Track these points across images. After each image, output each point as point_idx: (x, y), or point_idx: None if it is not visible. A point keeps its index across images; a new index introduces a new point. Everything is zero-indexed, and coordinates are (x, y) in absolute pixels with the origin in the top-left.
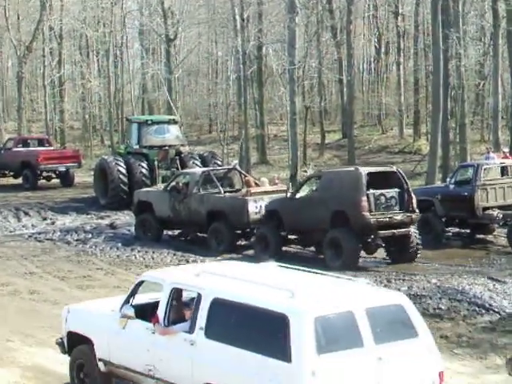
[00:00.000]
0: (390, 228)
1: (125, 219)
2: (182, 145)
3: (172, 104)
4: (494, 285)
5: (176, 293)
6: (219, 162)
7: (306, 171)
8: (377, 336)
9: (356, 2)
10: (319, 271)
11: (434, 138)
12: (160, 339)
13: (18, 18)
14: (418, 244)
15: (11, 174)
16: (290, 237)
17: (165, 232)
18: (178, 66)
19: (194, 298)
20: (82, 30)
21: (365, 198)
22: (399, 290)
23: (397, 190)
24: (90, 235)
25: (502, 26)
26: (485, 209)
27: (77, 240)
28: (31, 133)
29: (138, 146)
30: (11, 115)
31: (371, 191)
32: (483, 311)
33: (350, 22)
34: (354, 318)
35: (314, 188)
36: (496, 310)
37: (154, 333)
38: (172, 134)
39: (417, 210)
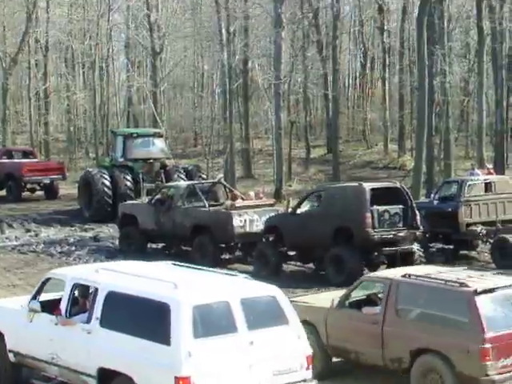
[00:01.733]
0: (393, 245)
1: (109, 232)
2: (167, 158)
3: (157, 117)
4: None
5: (77, 288)
6: (204, 176)
7: (290, 185)
8: (250, 323)
9: (342, 18)
10: (209, 268)
11: (418, 153)
12: (61, 330)
13: (4, 30)
14: (421, 261)
15: None
16: (289, 253)
17: (149, 245)
18: (163, 79)
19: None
20: (68, 42)
21: (369, 215)
22: None
23: (401, 206)
24: (73, 248)
25: (486, 44)
26: (468, 225)
27: (60, 252)
28: (16, 145)
29: (122, 159)
30: None
31: (375, 207)
32: None
33: (336, 37)
34: (230, 307)
35: (316, 204)
36: None
37: (56, 324)
38: (157, 147)
39: (421, 227)
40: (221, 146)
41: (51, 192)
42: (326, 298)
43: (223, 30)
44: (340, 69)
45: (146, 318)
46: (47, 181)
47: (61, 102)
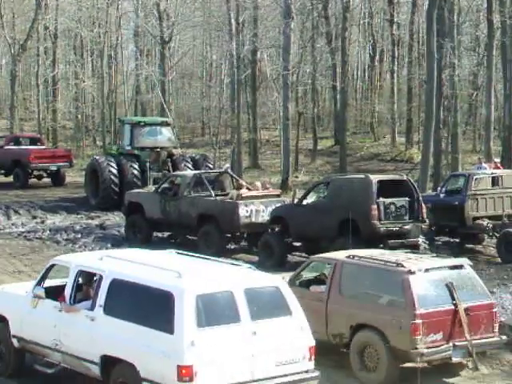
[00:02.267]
0: (399, 237)
1: (115, 220)
2: (174, 147)
3: (165, 106)
4: None
5: (81, 274)
6: (211, 165)
7: (297, 177)
8: (253, 313)
9: (351, 10)
10: (213, 258)
11: (426, 146)
12: (65, 316)
13: (13, 17)
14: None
15: (2, 172)
16: (295, 244)
17: (155, 234)
18: (172, 68)
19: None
20: (77, 29)
21: (375, 207)
22: None
23: (407, 198)
24: (79, 235)
25: (496, 37)
26: (475, 218)
27: (66, 239)
28: (23, 131)
29: (129, 147)
30: (4, 113)
31: (381, 199)
32: None
33: (346, 28)
34: (233, 297)
35: (322, 195)
36: None
37: (60, 311)
38: (164, 136)
39: (427, 220)
40: (228, 136)
41: (58, 179)
42: None
43: (232, 20)
44: (349, 61)
45: (149, 306)
46: (54, 168)
47: (69, 90)
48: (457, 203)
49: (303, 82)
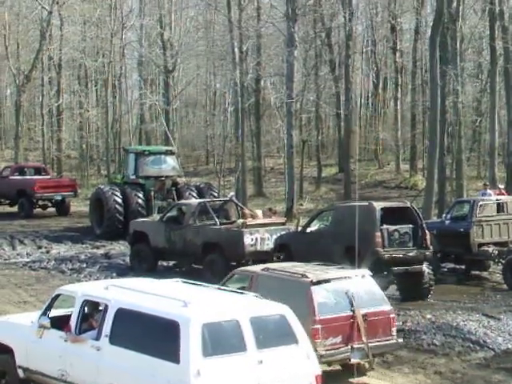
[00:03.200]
0: (403, 264)
1: (120, 249)
2: (179, 176)
3: (169, 135)
4: (488, 321)
5: (87, 304)
6: (215, 194)
7: (302, 204)
8: (259, 342)
9: (354, 38)
10: (217, 286)
11: (430, 173)
12: (71, 346)
13: (18, 47)
14: (430, 281)
15: (7, 202)
16: None
17: (160, 263)
18: (176, 97)
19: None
20: (81, 59)
21: (379, 234)
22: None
23: (410, 225)
24: (84, 265)
25: (499, 64)
26: (480, 245)
27: (71, 269)
28: (28, 161)
29: (134, 176)
30: (8, 143)
31: (385, 226)
32: (477, 348)
33: (349, 56)
34: (239, 326)
35: (326, 222)
36: (490, 346)
37: (66, 341)
38: (169, 165)
39: (431, 247)
40: (232, 164)
41: (63, 209)
42: None
43: (236, 49)
44: (352, 88)
45: (155, 336)
46: (59, 197)
47: (73, 119)
48: (462, 230)
49: (307, 110)
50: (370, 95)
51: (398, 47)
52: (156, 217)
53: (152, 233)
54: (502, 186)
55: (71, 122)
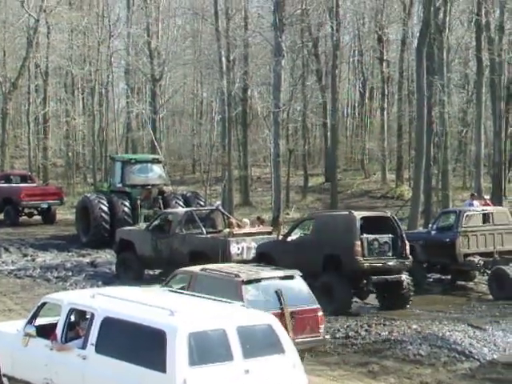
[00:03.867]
0: (382, 274)
1: (106, 258)
2: (165, 184)
3: (156, 143)
4: (474, 332)
5: (73, 312)
6: (202, 203)
7: (288, 213)
8: (245, 351)
9: (341, 48)
10: (203, 295)
11: (416, 183)
12: (57, 355)
13: (5, 55)
14: (410, 290)
15: None
16: None
17: (146, 271)
18: (162, 105)
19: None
20: (68, 67)
21: (358, 243)
22: (379, 334)
23: (390, 235)
24: (70, 273)
25: (485, 75)
26: (466, 255)
27: (57, 277)
28: (14, 169)
29: (120, 185)
30: None
31: (365, 236)
32: (463, 358)
33: (336, 66)
34: (226, 335)
35: (307, 231)
36: (476, 357)
37: (51, 349)
38: (155, 174)
39: (410, 257)
40: (219, 173)
41: (49, 217)
42: None
43: (223, 58)
44: (339, 98)
45: (141, 345)
46: (45, 205)
47: (60, 127)
48: (448, 240)
49: (294, 120)
50: (356, 105)
51: (385, 57)
52: (142, 225)
53: (138, 241)
54: (487, 197)
55: (57, 130)
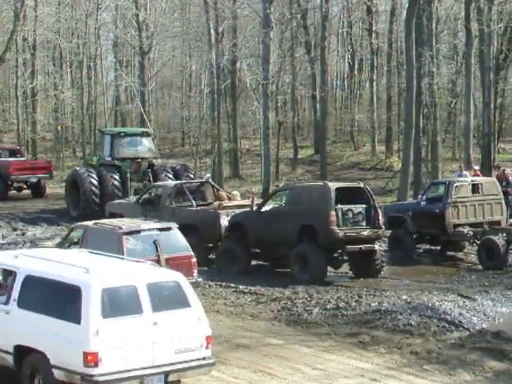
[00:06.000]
0: (356, 243)
1: None
2: (155, 157)
3: (145, 116)
4: (463, 302)
5: (1, 272)
6: (192, 176)
7: (277, 186)
8: (154, 305)
9: (330, 19)
10: (121, 256)
11: (405, 155)
12: None
13: None
14: (382, 260)
15: None
16: (253, 251)
17: None
18: (151, 78)
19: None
20: (56, 41)
21: (333, 213)
22: (370, 305)
23: (364, 205)
24: None
25: (474, 46)
26: (455, 226)
27: None
28: (3, 143)
29: (110, 158)
30: None
31: (339, 206)
32: (453, 328)
33: (325, 38)
34: (136, 291)
35: (282, 202)
36: (465, 326)
37: None
38: (145, 147)
39: (383, 226)
40: (208, 146)
41: (38, 191)
42: None
43: (212, 30)
44: (328, 70)
45: (59, 300)
46: (34, 179)
47: (48, 101)
48: (437, 211)
49: (283, 92)
50: (345, 77)
51: (374, 29)
52: (132, 198)
53: (128, 214)
54: (477, 168)
55: (46, 104)
